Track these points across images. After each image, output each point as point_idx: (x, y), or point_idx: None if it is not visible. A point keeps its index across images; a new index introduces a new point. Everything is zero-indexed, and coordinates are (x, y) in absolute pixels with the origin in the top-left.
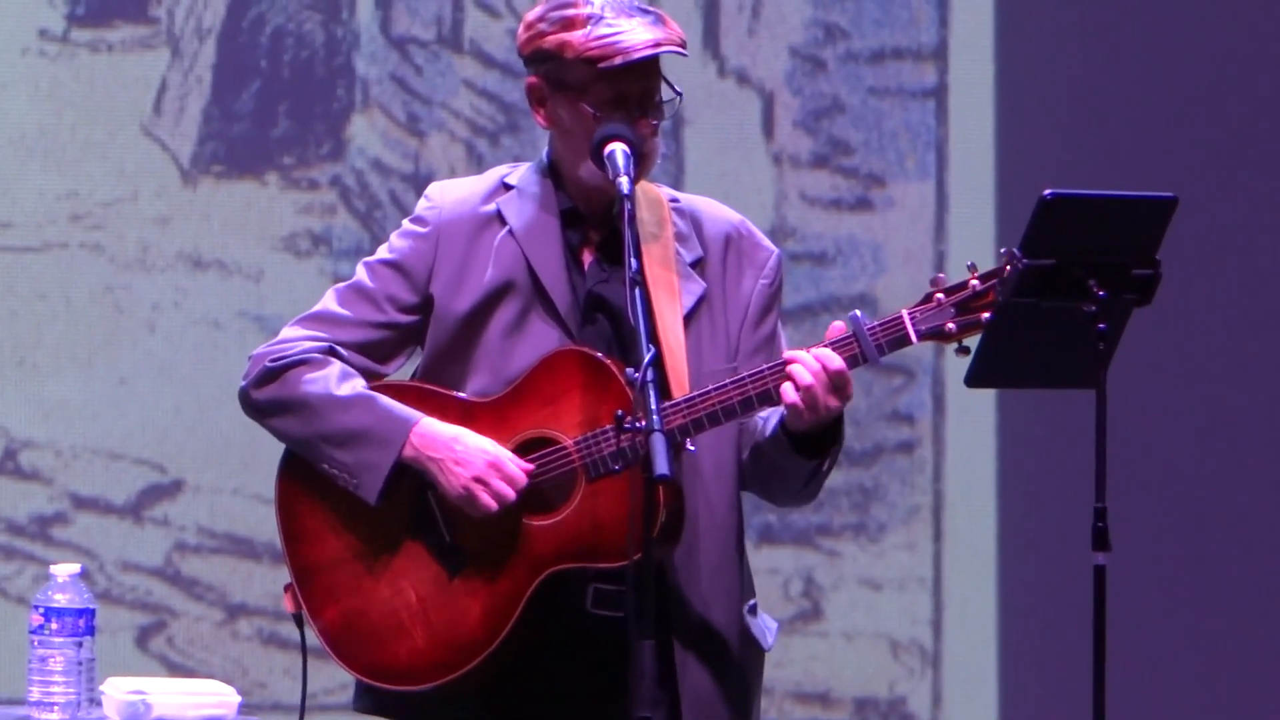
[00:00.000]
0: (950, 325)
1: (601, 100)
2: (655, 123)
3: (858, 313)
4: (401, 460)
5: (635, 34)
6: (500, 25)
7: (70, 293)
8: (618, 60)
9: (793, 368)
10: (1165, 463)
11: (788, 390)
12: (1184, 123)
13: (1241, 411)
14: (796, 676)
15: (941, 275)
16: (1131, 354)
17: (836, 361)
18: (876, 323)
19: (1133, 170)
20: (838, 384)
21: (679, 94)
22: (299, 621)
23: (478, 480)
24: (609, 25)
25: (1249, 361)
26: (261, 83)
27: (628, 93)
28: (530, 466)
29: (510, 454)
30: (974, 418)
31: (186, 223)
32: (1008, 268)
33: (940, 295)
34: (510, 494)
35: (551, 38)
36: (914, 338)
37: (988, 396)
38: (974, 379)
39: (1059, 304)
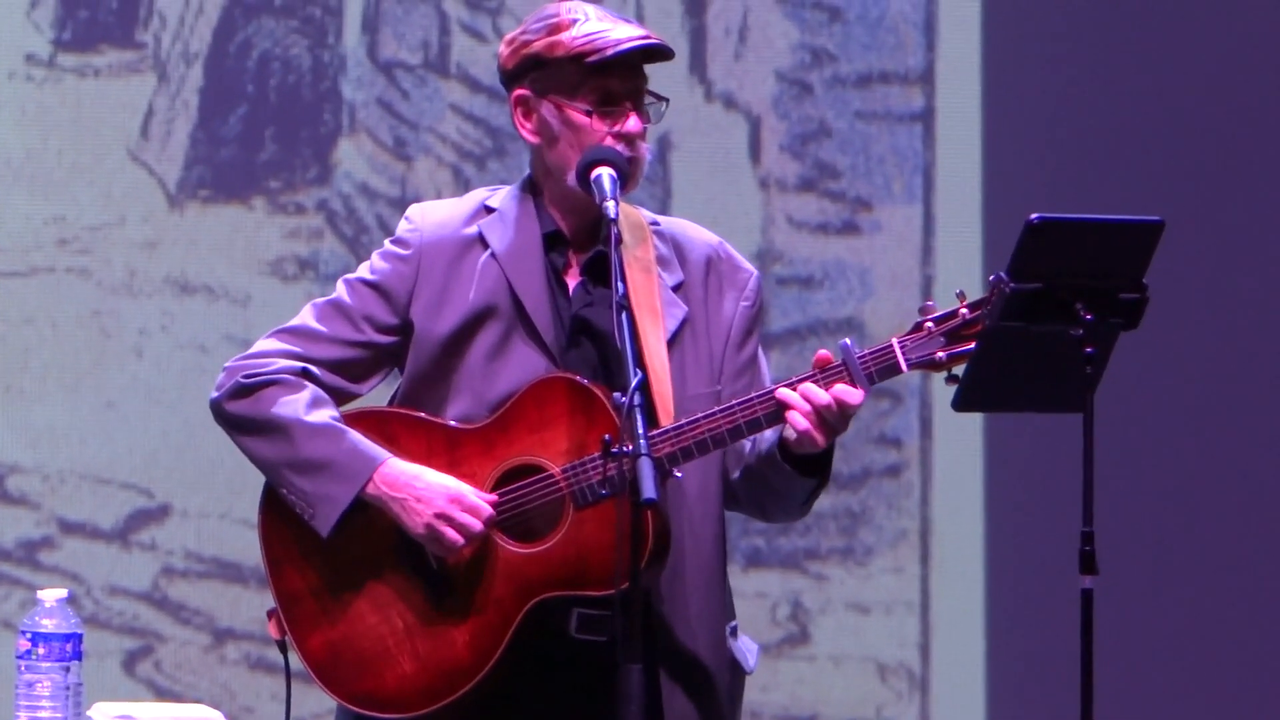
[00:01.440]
0: (940, 354)
1: (591, 99)
2: (645, 125)
3: (847, 341)
4: (364, 497)
5: (621, 31)
6: (487, 50)
7: (57, 317)
8: (608, 52)
9: (807, 390)
10: (1152, 486)
11: (796, 418)
12: (1171, 146)
13: (1229, 434)
14: (784, 700)
15: (931, 303)
16: (1119, 378)
17: (856, 396)
18: (866, 351)
19: (1120, 194)
20: (849, 414)
21: (664, 99)
22: (283, 648)
23: (440, 516)
24: (595, 25)
25: (1237, 384)
26: (248, 107)
27: (617, 90)
28: (494, 498)
29: (471, 488)
30: (961, 441)
31: (173, 247)
32: (995, 295)
33: (930, 324)
34: (476, 526)
35: (539, 42)
36: (904, 366)
37: (975, 420)
38: (961, 403)
39: (1046, 328)
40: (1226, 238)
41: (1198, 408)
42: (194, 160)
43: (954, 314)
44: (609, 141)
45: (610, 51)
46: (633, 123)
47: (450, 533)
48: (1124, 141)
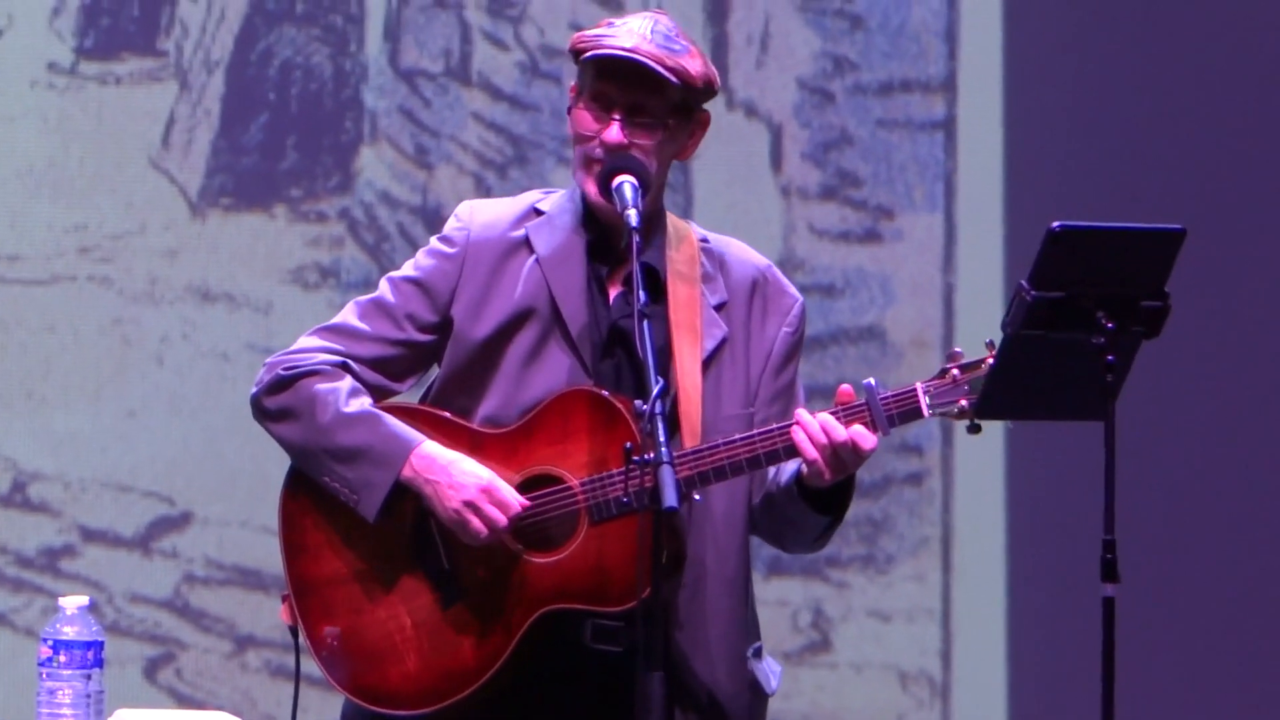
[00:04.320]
0: (963, 402)
1: (589, 100)
2: (626, 135)
3: (872, 381)
4: (400, 480)
5: (622, 39)
6: (508, 58)
7: (79, 325)
8: (589, 52)
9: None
10: (1174, 494)
11: (805, 444)
12: (1193, 154)
13: (1251, 442)
14: (805, 708)
15: (959, 350)
16: (1140, 386)
17: (870, 441)
18: (890, 394)
19: (1141, 202)
20: (862, 456)
21: (664, 124)
22: (294, 634)
23: (469, 505)
24: (606, 30)
25: (1258, 393)
26: (270, 115)
27: (611, 96)
28: (525, 501)
29: (505, 483)
30: (983, 449)
31: (195, 255)
32: (1016, 303)
33: (956, 371)
34: (501, 520)
35: (574, 36)
36: (926, 412)
37: (996, 428)
38: (982, 411)
39: (1067, 336)
40: (1249, 246)
41: (1219, 416)
42: (215, 168)
43: (980, 363)
44: (594, 145)
45: (591, 51)
46: (612, 131)
47: (475, 522)
48: (1146, 149)
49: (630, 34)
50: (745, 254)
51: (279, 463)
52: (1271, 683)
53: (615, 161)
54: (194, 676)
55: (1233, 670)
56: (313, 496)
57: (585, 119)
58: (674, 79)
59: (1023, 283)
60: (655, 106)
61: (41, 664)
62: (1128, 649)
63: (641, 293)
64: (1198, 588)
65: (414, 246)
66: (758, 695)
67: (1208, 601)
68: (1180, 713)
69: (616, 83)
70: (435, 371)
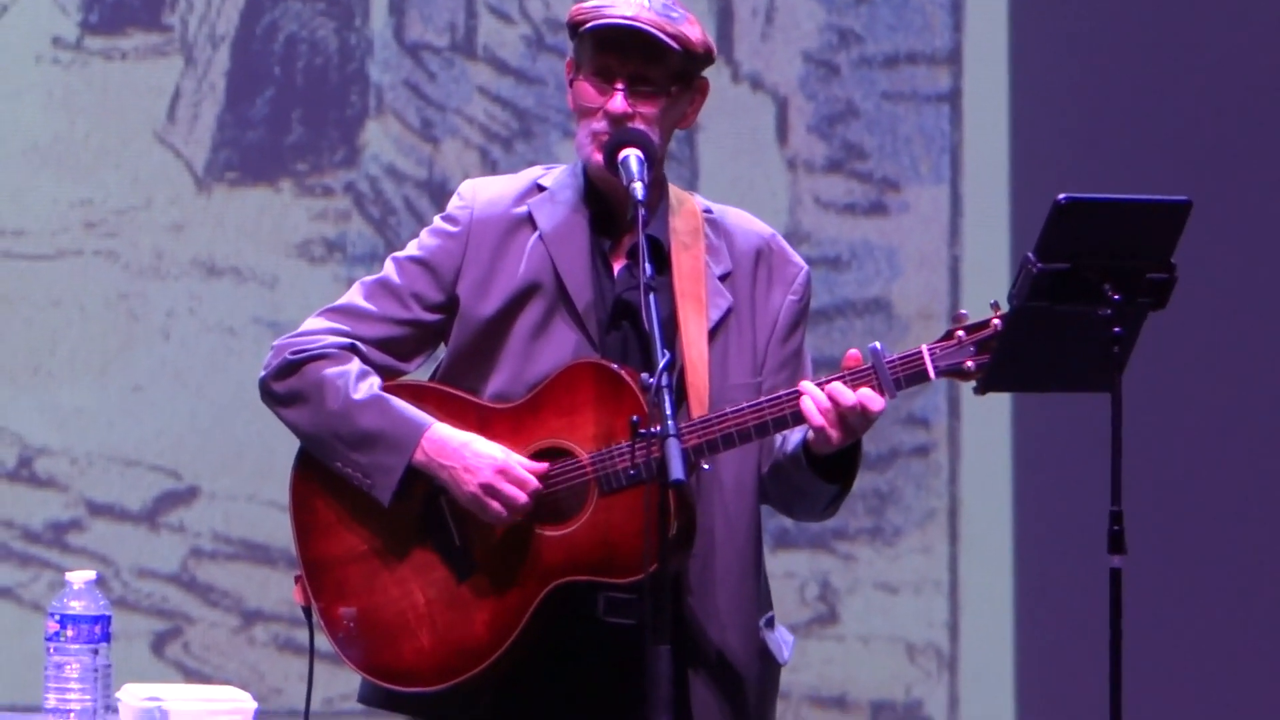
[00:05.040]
0: (969, 363)
1: (590, 72)
2: (630, 104)
3: (877, 345)
4: (412, 465)
5: (622, 8)
6: (514, 31)
7: (85, 300)
8: (590, 23)
9: (833, 389)
10: (1181, 465)
11: (811, 411)
12: (1199, 125)
13: (1257, 413)
14: (813, 680)
15: (964, 312)
16: (1147, 358)
17: (878, 403)
18: (896, 357)
19: (1148, 174)
20: (870, 418)
21: (664, 92)
22: (307, 614)
23: (485, 487)
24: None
25: (1265, 364)
26: (275, 90)
27: (612, 67)
28: (542, 467)
29: (520, 458)
30: (989, 421)
31: (200, 230)
32: (1023, 275)
33: (961, 333)
34: (520, 498)
35: (570, 11)
36: (932, 374)
37: (1003, 400)
38: (988, 384)
39: (1074, 308)
40: (1256, 217)
41: (1226, 387)
42: (221, 143)
43: (986, 324)
44: (599, 118)
45: (592, 22)
46: (616, 101)
47: (494, 505)
48: (1152, 121)
49: (629, 3)
50: (749, 223)
51: (286, 437)
52: (1277, 653)
53: (621, 134)
54: (201, 651)
55: (1243, 641)
56: (322, 477)
57: (588, 91)
58: (675, 45)
59: (1029, 255)
60: (657, 75)
61: (49, 638)
62: (1135, 620)
63: (648, 265)
64: (1205, 559)
65: (420, 220)
66: (770, 665)
67: (1215, 573)
68: (1188, 684)
69: (617, 53)
70: (444, 350)
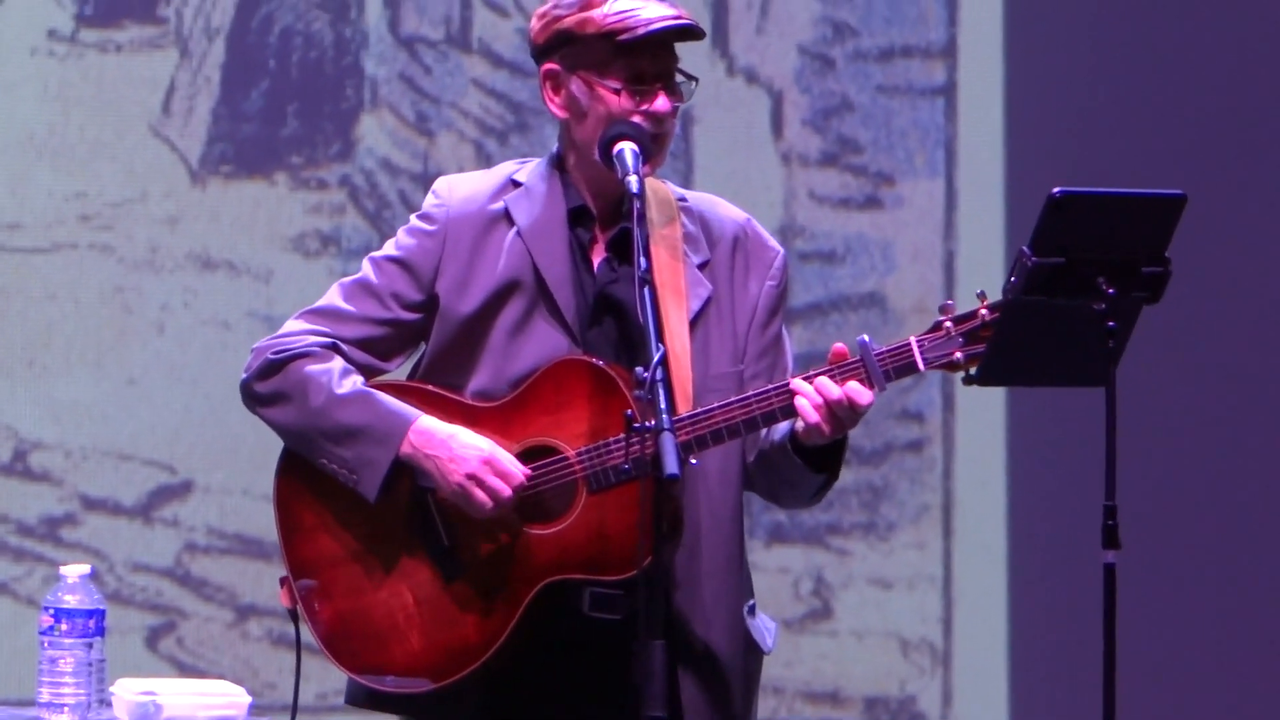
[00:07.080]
0: (958, 354)
1: (621, 77)
2: (674, 104)
3: (865, 338)
4: (399, 457)
5: (652, 10)
6: (509, 25)
7: (79, 293)
8: (639, 31)
9: (821, 384)
10: (1175, 460)
11: (806, 409)
12: (1193, 120)
13: (1251, 409)
14: (806, 676)
15: (950, 303)
16: (1141, 352)
17: (866, 396)
18: (884, 349)
19: (1142, 168)
20: (858, 412)
21: (694, 79)
22: (294, 616)
23: (471, 477)
24: (626, 3)
25: (1259, 359)
26: (270, 83)
27: (647, 70)
28: (528, 470)
29: (506, 453)
30: (984, 416)
31: (195, 223)
32: (1017, 269)
33: (949, 324)
34: (505, 491)
35: (570, 18)
36: (921, 366)
37: (997, 395)
38: (983, 377)
39: (1068, 302)
40: (1250, 211)
41: (1221, 382)
42: (216, 136)
43: (973, 314)
44: (637, 119)
45: (641, 31)
46: (661, 102)
47: (479, 495)
48: (1146, 115)
49: (651, 4)
50: (725, 210)
51: None
52: (1272, 647)
53: (612, 129)
54: (195, 645)
55: (1236, 637)
56: (307, 478)
57: (623, 100)
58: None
59: (1024, 249)
60: (674, 68)
61: (43, 632)
62: (1129, 615)
63: (642, 259)
64: (1199, 554)
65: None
66: (754, 653)
67: (1209, 568)
68: (1182, 680)
69: (649, 55)
70: (423, 349)
